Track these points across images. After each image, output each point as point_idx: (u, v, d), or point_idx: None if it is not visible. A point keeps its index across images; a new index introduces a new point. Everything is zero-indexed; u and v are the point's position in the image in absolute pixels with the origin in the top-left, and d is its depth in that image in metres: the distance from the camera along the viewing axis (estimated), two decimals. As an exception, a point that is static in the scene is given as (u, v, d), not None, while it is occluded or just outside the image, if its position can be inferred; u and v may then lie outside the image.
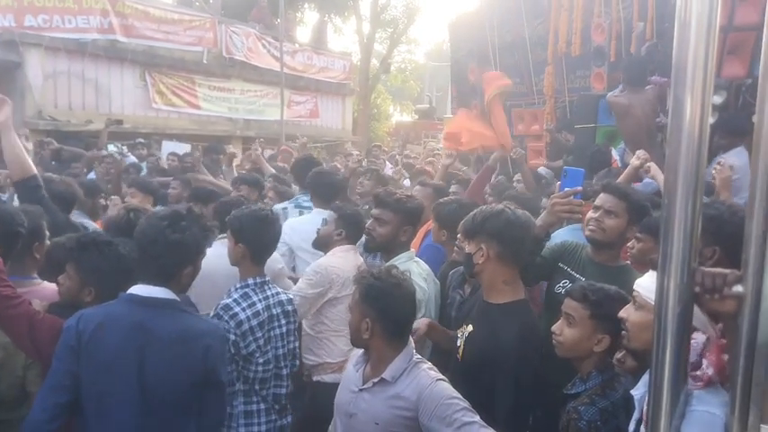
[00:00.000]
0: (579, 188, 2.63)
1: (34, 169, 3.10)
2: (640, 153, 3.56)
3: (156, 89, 11.91)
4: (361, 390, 2.12)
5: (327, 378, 3.13)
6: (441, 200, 3.46)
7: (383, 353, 2.11)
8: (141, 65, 11.65)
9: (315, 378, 3.21)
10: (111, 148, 8.33)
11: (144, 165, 7.87)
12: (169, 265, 2.04)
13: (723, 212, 1.99)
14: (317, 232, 3.45)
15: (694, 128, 1.23)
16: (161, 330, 1.97)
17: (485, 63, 7.44)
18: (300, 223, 3.98)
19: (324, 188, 4.11)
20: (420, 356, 2.18)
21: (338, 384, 2.33)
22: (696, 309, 1.35)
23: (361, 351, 2.23)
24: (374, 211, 3.07)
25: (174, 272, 2.05)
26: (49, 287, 2.44)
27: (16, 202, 4.99)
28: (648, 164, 3.47)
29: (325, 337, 3.21)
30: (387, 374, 2.07)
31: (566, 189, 2.62)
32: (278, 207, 4.35)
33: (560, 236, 3.32)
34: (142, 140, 9.43)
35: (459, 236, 2.47)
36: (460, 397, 2.01)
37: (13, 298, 2.07)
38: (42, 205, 2.89)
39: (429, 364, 2.15)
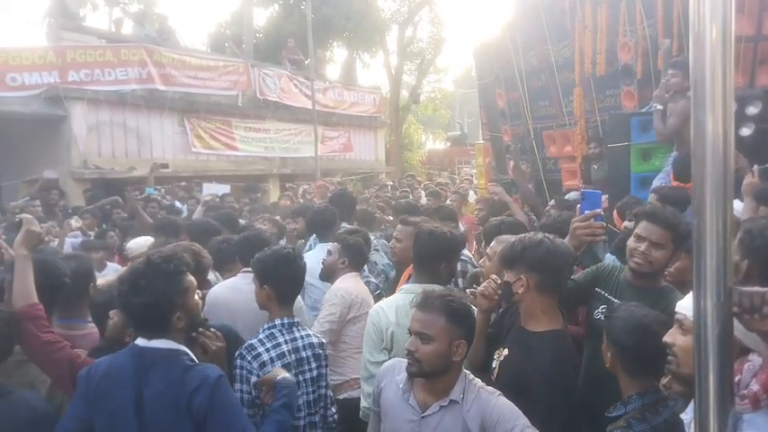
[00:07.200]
0: (599, 210, 2.58)
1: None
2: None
3: (195, 134, 12.29)
4: (423, 417, 2.07)
5: (356, 393, 3.16)
6: (491, 219, 3.70)
7: (456, 374, 2.09)
8: (179, 111, 12.05)
9: (341, 396, 3.26)
10: (152, 191, 8.59)
11: (185, 207, 8.09)
12: (150, 322, 2.01)
13: (756, 225, 1.94)
14: (323, 263, 3.64)
15: (718, 142, 1.20)
16: (152, 381, 1.96)
17: (512, 87, 7.45)
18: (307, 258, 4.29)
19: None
20: (467, 371, 2.17)
21: None
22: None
23: (404, 377, 2.14)
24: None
25: (160, 325, 2.01)
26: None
27: (67, 249, 5.25)
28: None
29: (347, 355, 3.36)
30: (455, 395, 2.06)
31: (585, 212, 2.58)
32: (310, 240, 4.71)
33: None
34: (183, 183, 9.74)
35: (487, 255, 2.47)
36: (520, 412, 2.01)
37: (54, 343, 2.20)
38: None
39: (478, 379, 2.15)
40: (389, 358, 2.57)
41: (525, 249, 2.32)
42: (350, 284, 3.48)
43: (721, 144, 1.20)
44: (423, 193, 10.38)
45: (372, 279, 4.16)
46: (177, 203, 8.28)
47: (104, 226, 6.36)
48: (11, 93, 9.88)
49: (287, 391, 2.25)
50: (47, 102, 10.17)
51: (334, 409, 2.83)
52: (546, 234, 2.44)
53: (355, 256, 3.60)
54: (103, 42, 11.83)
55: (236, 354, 2.49)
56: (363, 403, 2.78)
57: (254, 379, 2.43)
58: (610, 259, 3.28)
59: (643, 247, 2.52)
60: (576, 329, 2.75)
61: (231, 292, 3.31)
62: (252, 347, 2.50)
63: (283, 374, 2.33)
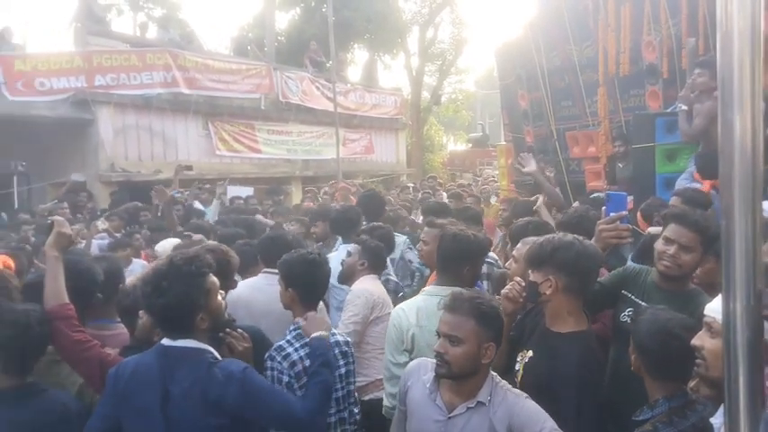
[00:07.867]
0: (624, 212, 2.55)
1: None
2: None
3: (219, 137, 12.44)
4: (450, 417, 2.08)
5: (381, 394, 3.13)
6: (516, 220, 3.65)
7: (484, 376, 2.09)
8: (204, 114, 12.21)
9: (366, 397, 3.24)
10: (175, 193, 8.68)
11: (208, 209, 8.17)
12: (173, 322, 2.04)
13: None
14: (342, 265, 3.62)
15: (746, 142, 1.18)
16: (177, 379, 1.98)
17: (535, 88, 7.40)
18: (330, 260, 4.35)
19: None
20: (494, 373, 2.17)
21: None
22: None
23: (431, 377, 2.14)
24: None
25: (183, 325, 2.04)
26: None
27: (94, 250, 5.35)
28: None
29: (371, 356, 3.32)
30: (482, 397, 2.06)
31: (611, 214, 2.54)
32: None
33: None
34: (207, 185, 9.84)
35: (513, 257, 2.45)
36: (547, 415, 2.01)
37: (85, 342, 2.26)
38: None
39: (505, 382, 2.14)
40: (410, 359, 2.58)
41: (555, 250, 2.29)
42: (370, 285, 3.48)
43: (750, 144, 1.18)
44: (444, 195, 10.36)
45: (392, 277, 4.13)
46: (198, 205, 8.35)
47: (128, 228, 6.46)
48: (39, 97, 10.07)
49: (322, 350, 2.33)
50: (74, 106, 10.36)
51: (356, 410, 2.84)
52: (575, 236, 2.41)
53: (375, 259, 3.59)
54: (129, 47, 12.02)
55: (266, 356, 2.53)
56: (386, 402, 2.80)
57: (285, 379, 2.47)
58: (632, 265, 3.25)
59: (672, 250, 2.46)
60: (598, 327, 2.73)
61: (252, 292, 3.34)
62: (281, 348, 2.54)
63: (318, 332, 2.41)
